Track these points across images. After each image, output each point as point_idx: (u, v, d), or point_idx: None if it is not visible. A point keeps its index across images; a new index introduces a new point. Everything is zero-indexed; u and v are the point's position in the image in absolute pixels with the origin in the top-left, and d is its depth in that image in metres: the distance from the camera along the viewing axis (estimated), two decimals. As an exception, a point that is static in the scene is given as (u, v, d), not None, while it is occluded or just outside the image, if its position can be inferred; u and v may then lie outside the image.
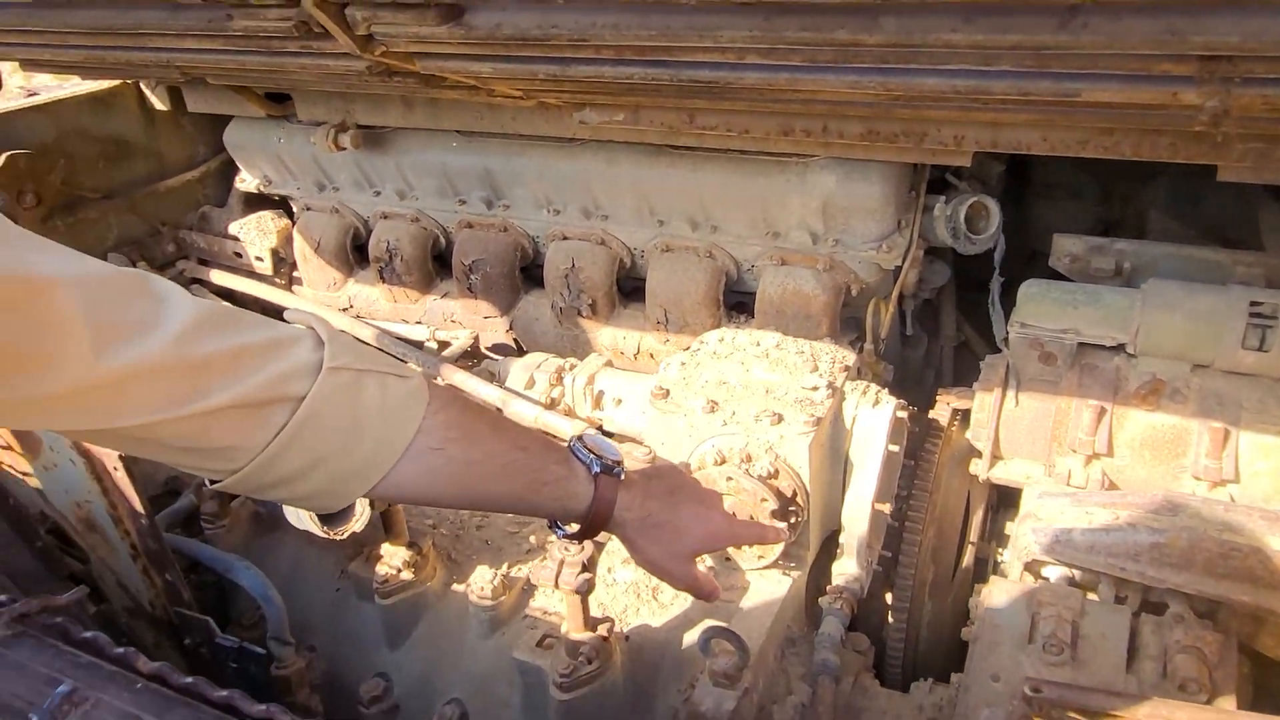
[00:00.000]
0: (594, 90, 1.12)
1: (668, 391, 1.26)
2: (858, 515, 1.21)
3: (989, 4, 0.68)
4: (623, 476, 0.94)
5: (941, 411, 1.38)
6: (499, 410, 1.41)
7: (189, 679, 0.54)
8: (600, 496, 0.91)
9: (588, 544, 1.04)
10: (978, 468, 1.30)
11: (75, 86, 1.89)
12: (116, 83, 1.88)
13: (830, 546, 1.27)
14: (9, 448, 1.23)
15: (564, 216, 1.62)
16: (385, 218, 1.81)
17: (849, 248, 1.40)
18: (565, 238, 1.63)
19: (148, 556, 1.16)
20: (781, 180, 1.38)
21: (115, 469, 1.10)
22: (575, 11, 0.83)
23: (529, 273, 1.73)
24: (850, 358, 1.30)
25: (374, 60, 1.03)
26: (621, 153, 1.49)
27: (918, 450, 1.33)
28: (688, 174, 1.44)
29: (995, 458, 1.29)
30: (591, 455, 0.92)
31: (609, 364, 1.51)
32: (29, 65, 1.68)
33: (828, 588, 1.21)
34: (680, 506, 0.98)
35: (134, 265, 1.90)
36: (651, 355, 1.59)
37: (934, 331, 1.70)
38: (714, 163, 1.42)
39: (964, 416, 1.35)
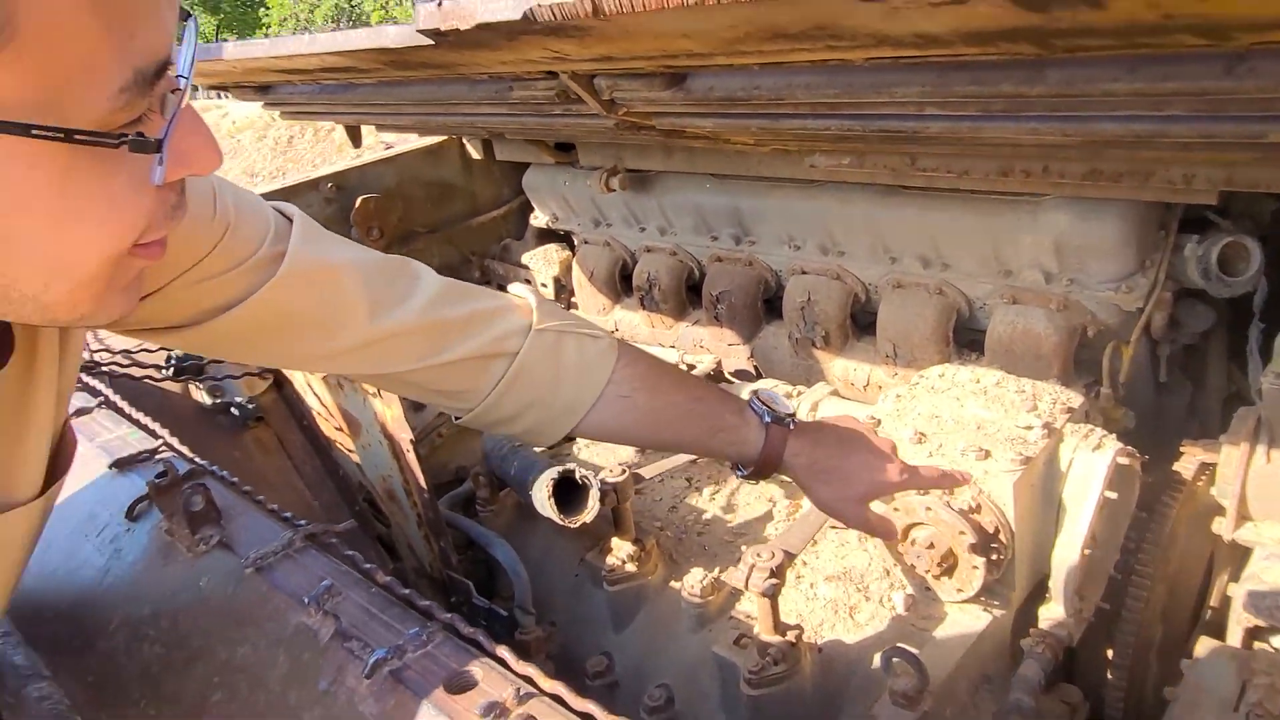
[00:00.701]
0: (809, 139, 1.22)
1: (879, 421, 1.31)
2: (1067, 560, 1.18)
3: (1151, 55, 0.70)
4: (793, 426, 1.06)
5: (1186, 464, 1.29)
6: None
7: (408, 590, 0.73)
8: (770, 443, 1.03)
9: (777, 552, 1.13)
10: (1221, 527, 1.20)
11: (415, 142, 2.32)
12: (444, 138, 2.27)
13: (1042, 592, 1.24)
14: (341, 429, 1.56)
15: (803, 252, 1.72)
16: (648, 251, 2.01)
17: (1085, 287, 1.36)
18: (804, 272, 1.72)
19: (428, 525, 1.43)
20: (1012, 218, 1.38)
21: (408, 451, 1.38)
22: (771, 75, 0.94)
23: (771, 304, 1.85)
24: (1075, 400, 1.27)
25: (619, 119, 1.22)
26: (856, 193, 1.56)
27: (1154, 502, 1.26)
28: (918, 212, 1.48)
29: (1242, 517, 1.19)
30: (764, 407, 1.06)
31: (834, 393, 1.58)
32: (380, 127, 2.10)
33: (1031, 630, 1.19)
34: (850, 454, 1.08)
35: (448, 289, 2.27)
36: (880, 387, 1.64)
37: (1200, 380, 1.57)
38: (944, 201, 1.45)
39: (1212, 471, 1.26)
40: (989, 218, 1.40)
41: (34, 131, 0.45)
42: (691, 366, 1.87)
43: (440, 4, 0.90)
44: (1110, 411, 1.38)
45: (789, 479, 1.10)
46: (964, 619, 1.22)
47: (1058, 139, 0.85)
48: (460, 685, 0.60)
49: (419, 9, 0.92)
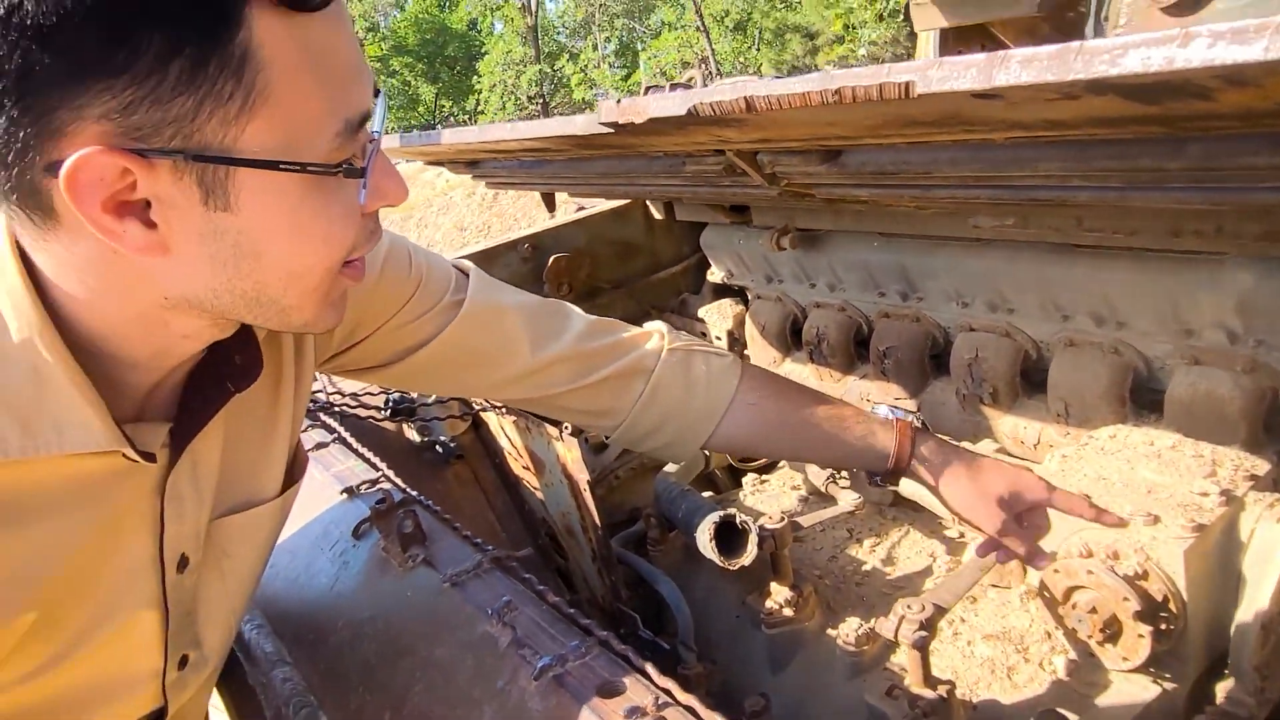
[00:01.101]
0: (966, 205, 1.26)
1: (1043, 481, 1.31)
2: (1246, 636, 1.13)
3: (1285, 131, 0.72)
4: (920, 425, 1.14)
5: (1397, 541, 1.19)
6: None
7: (571, 610, 0.84)
8: (901, 442, 1.08)
9: (928, 605, 1.16)
10: None
11: (603, 204, 2.52)
12: (629, 201, 2.45)
13: (1221, 666, 1.19)
14: (528, 468, 1.73)
15: (971, 309, 1.73)
16: (818, 307, 2.08)
17: (1275, 349, 1.30)
18: (972, 329, 1.73)
19: (601, 560, 1.55)
20: (1190, 277, 1.34)
21: (585, 491, 1.51)
22: (917, 152, 1.01)
23: (938, 360, 1.86)
24: (1262, 467, 1.22)
25: (781, 189, 1.32)
26: (1024, 250, 1.56)
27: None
28: (1090, 270, 1.47)
29: None
30: (889, 408, 1.17)
31: (1001, 450, 1.57)
32: (572, 194, 2.30)
33: (1206, 707, 1.14)
34: (983, 459, 1.11)
35: (628, 340, 2.44)
36: (1050, 446, 1.61)
37: None
38: (1117, 260, 1.43)
39: None
40: (1165, 276, 1.37)
41: (281, 166, 0.60)
42: (858, 420, 1.91)
43: (619, 101, 1.04)
44: (1305, 481, 1.30)
45: (937, 510, 1.14)
46: (1131, 689, 1.18)
47: (1208, 207, 0.86)
48: (610, 691, 0.71)
49: (600, 105, 1.07)
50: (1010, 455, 1.58)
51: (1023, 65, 0.63)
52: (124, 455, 0.71)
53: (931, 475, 1.09)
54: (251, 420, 0.88)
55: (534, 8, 25.78)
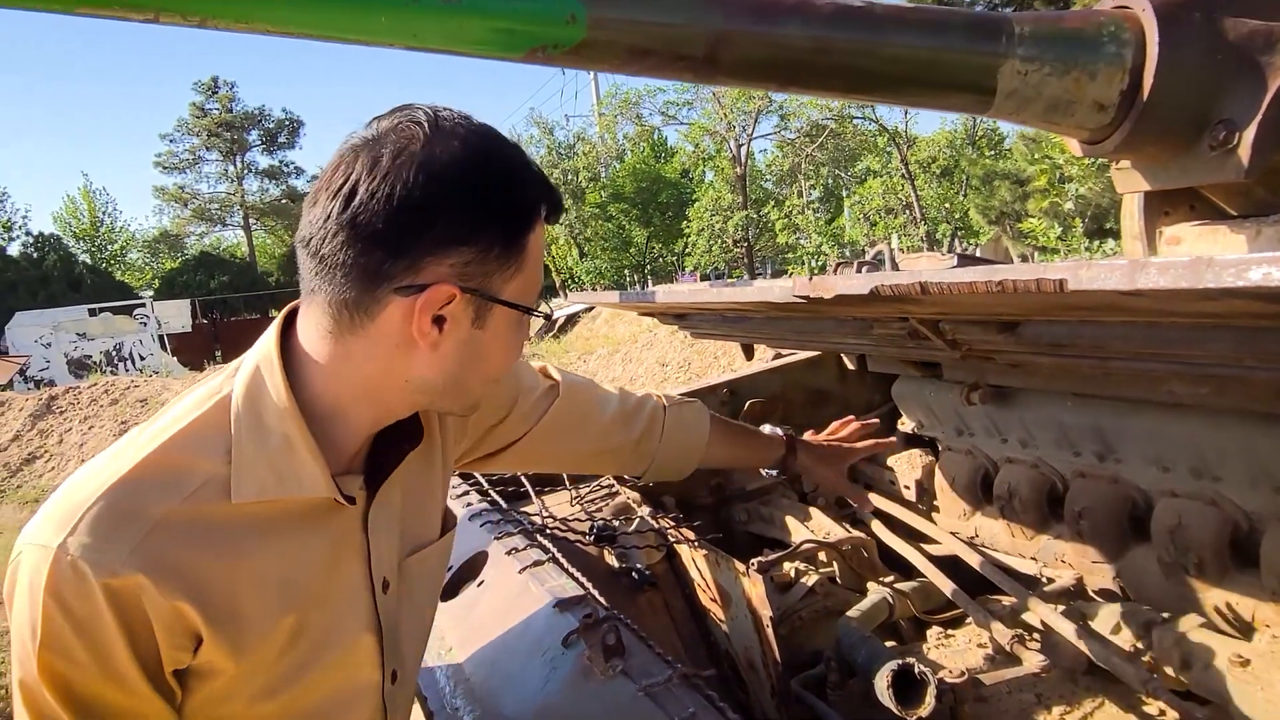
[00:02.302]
0: (1147, 376, 1.30)
1: (1248, 661, 1.26)
2: None
3: None
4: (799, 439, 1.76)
5: None
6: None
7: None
8: (789, 447, 1.74)
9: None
10: None
11: (798, 355, 2.67)
12: (822, 352, 2.59)
13: None
14: (715, 600, 1.84)
15: (1173, 474, 1.69)
16: (1009, 462, 2.09)
17: None
18: (1174, 494, 1.69)
19: (779, 696, 1.61)
20: None
21: (768, 627, 1.60)
22: (1090, 327, 1.10)
23: (1138, 523, 1.81)
24: None
25: (964, 353, 1.41)
26: (1227, 417, 1.54)
27: None
28: (1301, 443, 1.43)
29: None
30: (778, 431, 1.78)
31: (1205, 625, 1.51)
32: (768, 345, 2.48)
33: None
34: (835, 446, 1.80)
35: (817, 485, 2.52)
36: (1268, 626, 1.52)
37: None
38: (1331, 433, 1.39)
39: None
40: (1385, 453, 1.32)
41: (518, 307, 0.97)
42: (1052, 580, 1.88)
43: (810, 278, 1.20)
44: None
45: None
46: None
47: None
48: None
49: (794, 280, 1.23)
50: (1218, 631, 1.51)
51: (1160, 272, 0.73)
52: (335, 499, 0.98)
53: (806, 465, 1.75)
54: (417, 478, 1.16)
55: (743, 158, 27.15)
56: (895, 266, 1.79)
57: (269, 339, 0.98)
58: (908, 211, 21.99)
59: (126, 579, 0.83)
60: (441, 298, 0.90)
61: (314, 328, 0.95)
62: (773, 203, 27.84)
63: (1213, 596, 1.61)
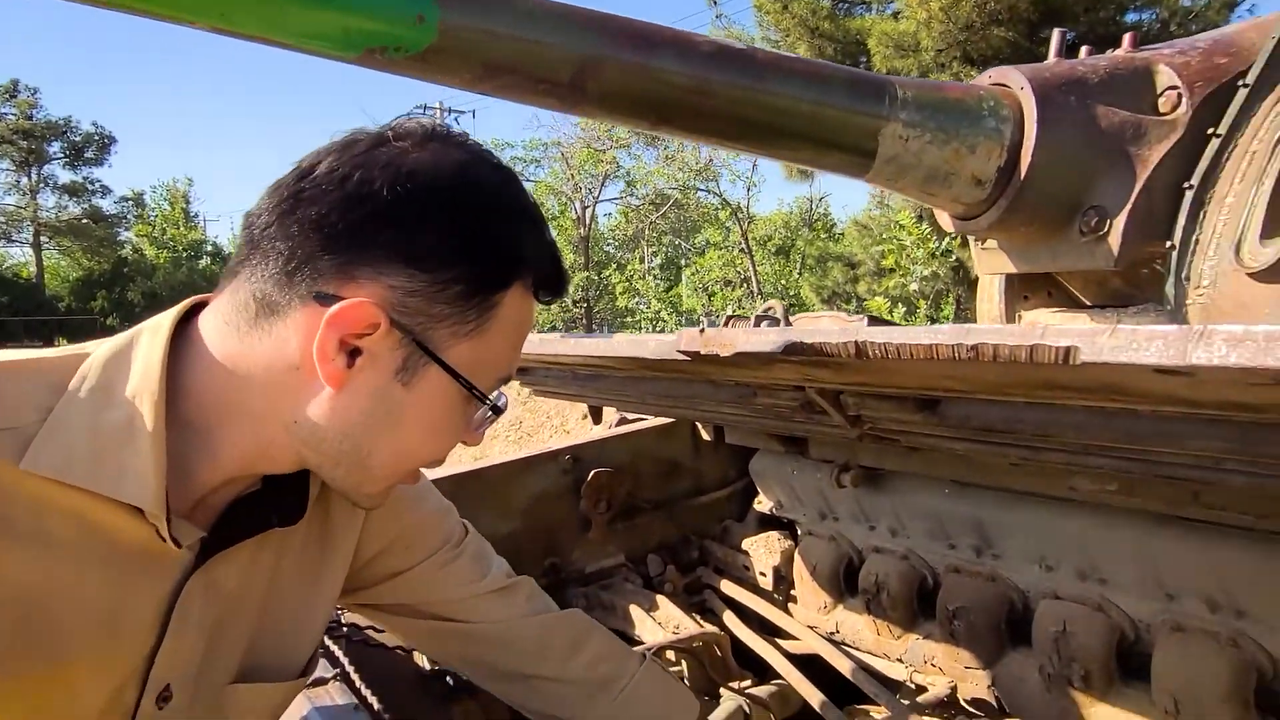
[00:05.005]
0: (1075, 468, 1.13)
1: (1166, 804, 1.09)
2: None
3: None
4: None
5: None
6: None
7: None
8: None
9: None
10: None
11: (649, 420, 2.42)
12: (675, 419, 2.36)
13: None
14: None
15: (1057, 574, 1.55)
16: (877, 551, 1.91)
17: None
18: (1058, 597, 1.55)
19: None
20: (1327, 570, 1.18)
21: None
22: (1037, 411, 0.90)
23: (1017, 628, 1.66)
24: None
25: (863, 432, 1.20)
26: (1121, 516, 1.41)
27: None
28: (1201, 547, 1.31)
29: None
30: None
31: (1100, 751, 1.35)
32: (621, 409, 2.22)
33: None
34: None
35: (665, 566, 2.26)
36: (1159, 750, 1.38)
37: None
38: (1237, 540, 1.27)
39: None
40: (1295, 565, 1.21)
41: (462, 380, 0.77)
42: (922, 688, 1.69)
43: (703, 330, 0.95)
44: None
45: None
46: None
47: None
48: None
49: (681, 333, 0.98)
50: (1111, 757, 1.35)
51: (1230, 345, 0.52)
52: (157, 531, 0.74)
53: None
54: (289, 581, 0.91)
55: (587, 220, 27.39)
56: (789, 324, 1.58)
57: (170, 311, 0.79)
58: (745, 285, 22.73)
59: None
60: (361, 320, 0.73)
61: (219, 313, 0.78)
62: (614, 266, 28.18)
63: (1101, 713, 1.46)
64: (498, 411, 0.83)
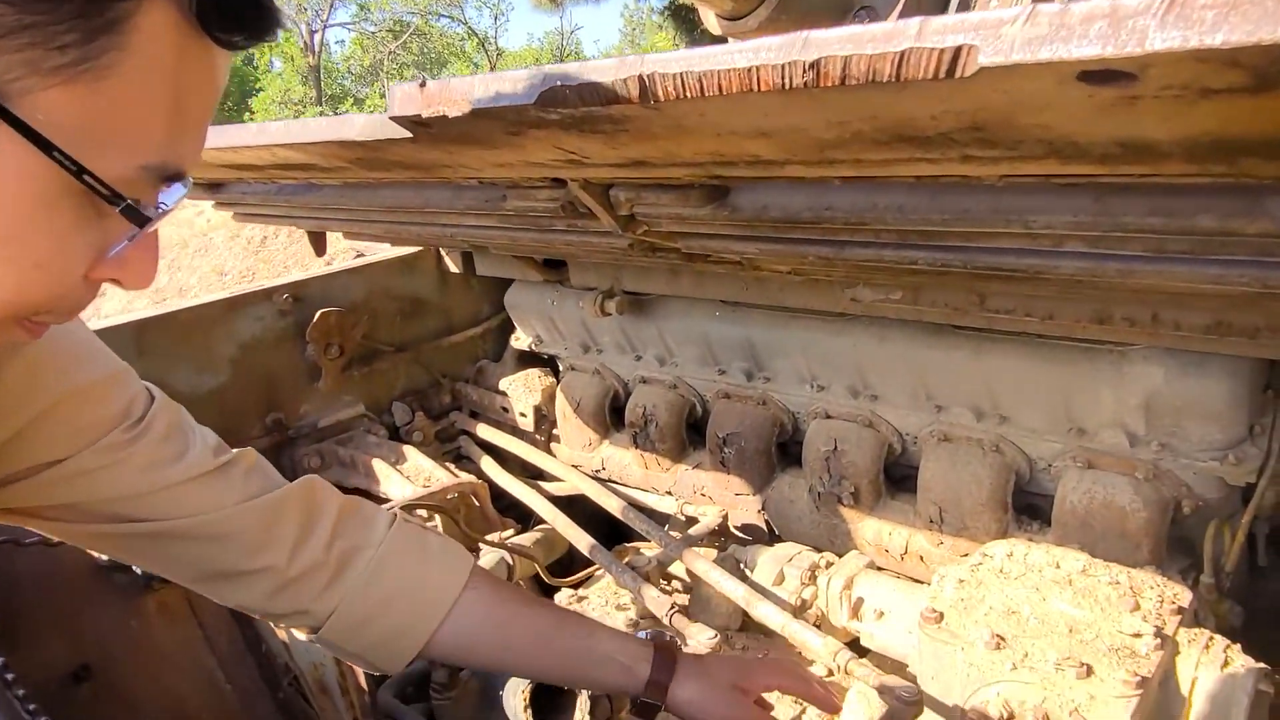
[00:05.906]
0: (870, 271, 1.00)
1: (941, 615, 1.06)
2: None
3: None
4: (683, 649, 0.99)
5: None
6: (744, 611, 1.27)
7: None
8: (659, 662, 0.93)
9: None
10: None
11: (388, 251, 2.10)
12: (419, 248, 2.05)
13: None
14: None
15: (828, 393, 1.49)
16: (644, 382, 1.78)
17: (1181, 455, 1.14)
18: (829, 416, 1.49)
19: (363, 715, 1.13)
20: (1089, 370, 1.16)
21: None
22: (854, 192, 0.73)
23: (787, 450, 1.61)
24: (1185, 596, 1.03)
25: (636, 239, 1.00)
26: (895, 329, 1.35)
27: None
28: (971, 357, 1.27)
29: None
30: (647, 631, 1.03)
31: (871, 565, 1.33)
32: (348, 235, 1.87)
33: None
34: (726, 667, 0.98)
35: (413, 413, 2.01)
36: (921, 558, 1.39)
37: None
38: (1004, 346, 1.24)
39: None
40: (1060, 366, 1.19)
41: (55, 153, 0.46)
42: (692, 519, 1.61)
43: (424, 84, 0.68)
44: (1215, 606, 1.14)
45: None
46: None
47: (1251, 287, 0.63)
48: None
49: (393, 90, 0.70)
50: (880, 570, 1.34)
51: (1219, 11, 0.35)
52: None
53: (690, 699, 0.94)
54: None
55: (317, 47, 24.60)
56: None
57: None
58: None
59: None
60: None
61: None
62: (351, 100, 25.80)
63: (868, 529, 1.45)
64: (137, 218, 0.51)
